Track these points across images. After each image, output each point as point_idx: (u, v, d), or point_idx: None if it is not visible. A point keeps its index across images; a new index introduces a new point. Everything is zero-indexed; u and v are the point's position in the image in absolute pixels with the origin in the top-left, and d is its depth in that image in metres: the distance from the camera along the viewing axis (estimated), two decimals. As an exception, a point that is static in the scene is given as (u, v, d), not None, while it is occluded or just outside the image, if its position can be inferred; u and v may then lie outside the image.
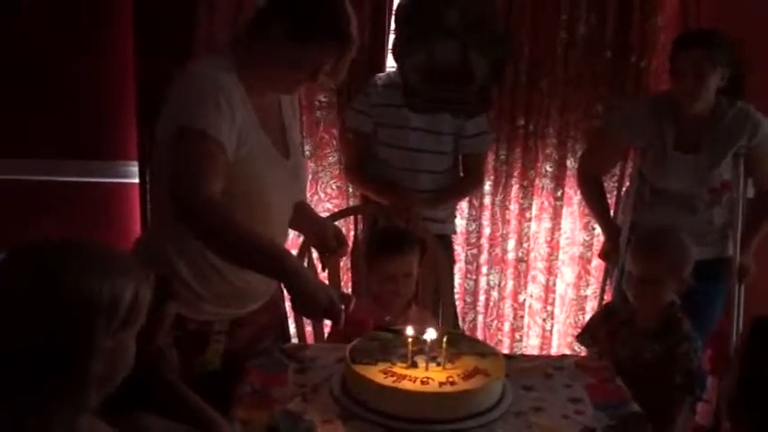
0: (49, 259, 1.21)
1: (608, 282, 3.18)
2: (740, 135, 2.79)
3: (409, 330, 1.96)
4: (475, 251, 3.44)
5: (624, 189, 3.24)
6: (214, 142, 1.81)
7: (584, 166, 3.13)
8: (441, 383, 1.84)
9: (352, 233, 3.14)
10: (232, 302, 2.09)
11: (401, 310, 2.42)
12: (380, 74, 3.06)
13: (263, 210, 1.97)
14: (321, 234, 2.30)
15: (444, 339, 1.95)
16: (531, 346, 3.57)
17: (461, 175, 3.10)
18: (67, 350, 1.18)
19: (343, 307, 1.87)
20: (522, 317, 3.53)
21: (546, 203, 3.42)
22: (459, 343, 2.04)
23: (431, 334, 1.94)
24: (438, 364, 1.92)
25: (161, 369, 1.66)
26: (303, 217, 2.26)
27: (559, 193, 3.38)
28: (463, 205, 3.37)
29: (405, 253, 2.41)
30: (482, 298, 3.50)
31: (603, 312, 2.53)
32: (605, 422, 1.87)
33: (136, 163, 3.22)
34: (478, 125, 3.00)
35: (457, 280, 3.38)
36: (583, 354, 2.67)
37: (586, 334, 2.49)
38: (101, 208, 3.31)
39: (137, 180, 3.22)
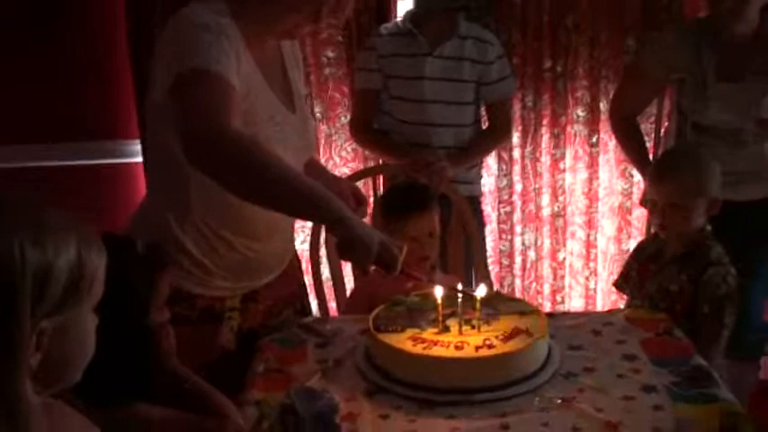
0: None
1: (652, 230, 2.94)
2: None
3: (438, 291, 1.74)
4: (508, 209, 3.23)
5: (663, 129, 3.02)
6: (226, 83, 1.59)
7: (617, 106, 2.89)
8: (477, 347, 1.64)
9: (371, 198, 2.92)
10: (243, 275, 1.91)
11: (425, 275, 2.17)
12: (385, 24, 2.84)
13: None
14: (337, 193, 2.09)
15: (478, 298, 1.73)
16: (573, 308, 3.35)
17: (486, 127, 2.88)
18: None
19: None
20: (563, 277, 3.33)
21: (580, 151, 3.20)
22: (495, 302, 1.84)
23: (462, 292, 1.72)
24: (473, 327, 1.72)
25: (156, 353, 1.47)
26: (315, 176, 2.05)
27: (594, 140, 3.17)
28: (490, 161, 3.16)
29: (426, 210, 2.19)
30: (518, 259, 3.30)
31: (634, 251, 2.39)
32: (668, 379, 1.66)
33: (138, 141, 3.03)
34: (501, 68, 2.77)
35: (490, 242, 3.17)
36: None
37: (621, 278, 2.35)
38: (104, 191, 3.13)
39: (140, 159, 3.03)
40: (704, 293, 2.03)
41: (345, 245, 1.62)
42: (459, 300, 1.74)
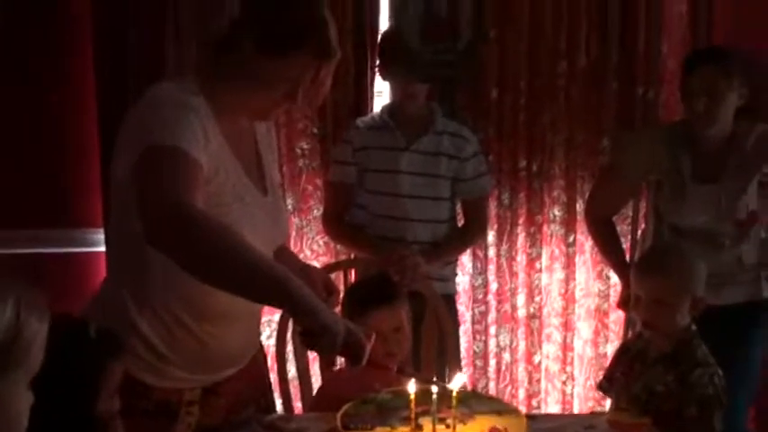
0: None
1: (630, 334, 2.87)
2: (765, 159, 2.56)
3: (411, 387, 1.64)
4: (482, 308, 3.15)
5: (640, 232, 2.99)
6: (191, 159, 1.53)
7: (592, 207, 2.87)
8: (452, 448, 1.52)
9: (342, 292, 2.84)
10: (203, 366, 1.78)
11: (395, 376, 2.03)
12: (362, 117, 2.83)
13: None
14: (308, 282, 2.00)
15: (454, 395, 1.63)
16: (549, 413, 3.21)
17: (462, 224, 2.83)
18: None
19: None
20: (539, 380, 3.22)
21: (557, 251, 3.15)
22: (471, 401, 1.74)
23: (436, 387, 1.62)
24: (447, 426, 1.62)
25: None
26: (284, 263, 1.96)
27: (571, 239, 3.12)
28: (464, 259, 3.09)
29: (392, 304, 2.11)
30: (492, 362, 3.19)
31: (618, 351, 2.30)
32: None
33: (101, 230, 2.94)
34: (478, 165, 2.74)
35: (463, 343, 3.07)
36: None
37: (605, 379, 2.25)
38: (65, 280, 3.00)
39: (103, 248, 2.93)
40: (691, 395, 1.94)
41: (311, 333, 1.52)
42: (434, 396, 1.63)
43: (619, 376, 2.16)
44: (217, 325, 1.74)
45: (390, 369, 1.79)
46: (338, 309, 2.18)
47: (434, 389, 1.64)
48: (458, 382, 1.67)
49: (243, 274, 1.49)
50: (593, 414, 2.06)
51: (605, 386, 2.24)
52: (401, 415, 1.65)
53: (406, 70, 2.67)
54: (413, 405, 1.62)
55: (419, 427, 1.60)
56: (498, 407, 1.74)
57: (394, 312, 2.09)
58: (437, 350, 2.54)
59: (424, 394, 1.65)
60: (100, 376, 1.33)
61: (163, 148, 1.51)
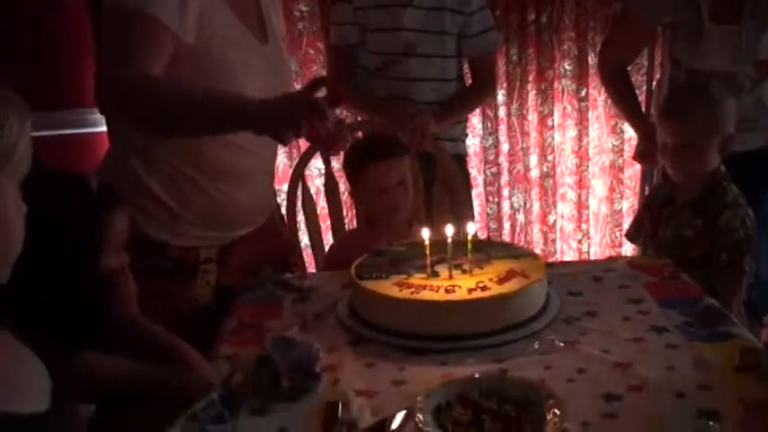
0: None
1: (647, 188, 2.82)
2: None
3: (425, 233, 1.59)
4: (494, 170, 3.09)
5: (655, 81, 2.88)
6: (153, 21, 1.51)
7: (606, 56, 2.74)
8: (470, 290, 1.49)
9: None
10: (216, 223, 1.79)
11: (401, 231, 2.00)
12: None
13: None
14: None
15: (469, 240, 1.58)
16: (567, 260, 3.21)
17: (470, 83, 2.72)
18: None
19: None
20: (554, 240, 3.21)
21: (569, 108, 3.08)
22: (487, 248, 1.69)
23: (451, 230, 1.57)
24: (464, 271, 1.57)
25: (110, 299, 1.31)
26: None
27: (583, 94, 3.05)
28: (474, 120, 3.01)
29: (392, 157, 2.03)
30: (507, 224, 3.16)
31: (646, 198, 2.27)
32: (679, 319, 1.51)
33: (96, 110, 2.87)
34: (484, 20, 2.61)
35: (476, 206, 3.03)
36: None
37: (633, 228, 2.20)
38: (70, 162, 2.95)
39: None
40: (721, 238, 1.89)
41: (270, 119, 1.50)
42: (449, 242, 1.58)
43: (645, 224, 2.12)
44: (225, 182, 1.74)
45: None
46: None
47: (449, 236, 1.59)
48: (470, 229, 1.62)
49: (184, 113, 1.52)
50: (612, 258, 2.01)
51: (633, 234, 2.20)
52: (416, 264, 1.60)
53: None
54: (428, 251, 1.57)
55: (435, 273, 1.56)
56: (515, 251, 1.69)
57: (395, 166, 2.02)
58: (450, 212, 2.49)
59: (438, 244, 1.60)
60: (101, 228, 1.28)
61: (122, 13, 1.52)
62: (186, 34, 1.56)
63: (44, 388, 0.92)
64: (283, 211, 2.41)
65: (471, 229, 1.63)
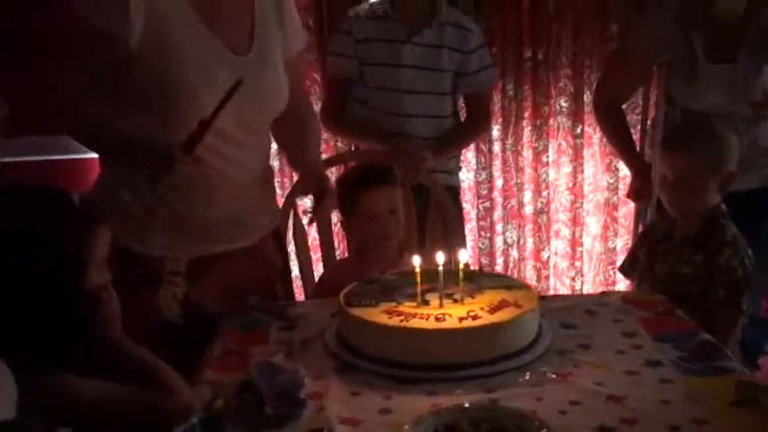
0: None
1: (640, 226, 2.80)
2: None
3: (416, 260, 1.57)
4: (488, 204, 3.08)
5: (650, 120, 2.88)
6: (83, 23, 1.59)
7: (601, 94, 2.75)
8: (461, 318, 1.47)
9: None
10: (181, 235, 1.75)
11: (392, 260, 2.00)
12: (360, 6, 2.68)
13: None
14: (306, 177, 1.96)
15: (461, 269, 1.56)
16: (560, 294, 3.17)
17: (464, 119, 2.72)
18: None
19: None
20: (548, 277, 3.18)
21: (564, 144, 3.07)
22: (479, 278, 1.66)
23: (442, 258, 1.55)
24: (455, 301, 1.54)
25: (92, 319, 1.27)
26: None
27: (578, 131, 3.04)
28: (468, 154, 3.01)
29: (385, 184, 2.05)
30: (500, 259, 3.13)
31: (642, 233, 2.24)
32: (673, 354, 1.49)
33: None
34: (482, 59, 2.61)
35: (469, 241, 2.99)
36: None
37: (627, 262, 2.18)
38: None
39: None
40: (720, 277, 1.87)
41: None
42: (440, 270, 1.56)
43: (641, 258, 2.10)
44: (189, 196, 1.72)
45: None
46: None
47: (441, 263, 1.57)
48: (462, 257, 1.59)
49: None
50: (605, 293, 1.98)
51: (627, 268, 2.18)
52: (407, 292, 1.57)
53: None
54: (419, 279, 1.54)
55: (425, 301, 1.53)
56: (507, 282, 1.66)
57: (386, 193, 2.04)
58: (442, 243, 2.47)
59: (430, 274, 1.57)
60: (86, 244, 1.25)
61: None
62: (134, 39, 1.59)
63: (11, 395, 0.89)
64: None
65: (463, 257, 1.60)
